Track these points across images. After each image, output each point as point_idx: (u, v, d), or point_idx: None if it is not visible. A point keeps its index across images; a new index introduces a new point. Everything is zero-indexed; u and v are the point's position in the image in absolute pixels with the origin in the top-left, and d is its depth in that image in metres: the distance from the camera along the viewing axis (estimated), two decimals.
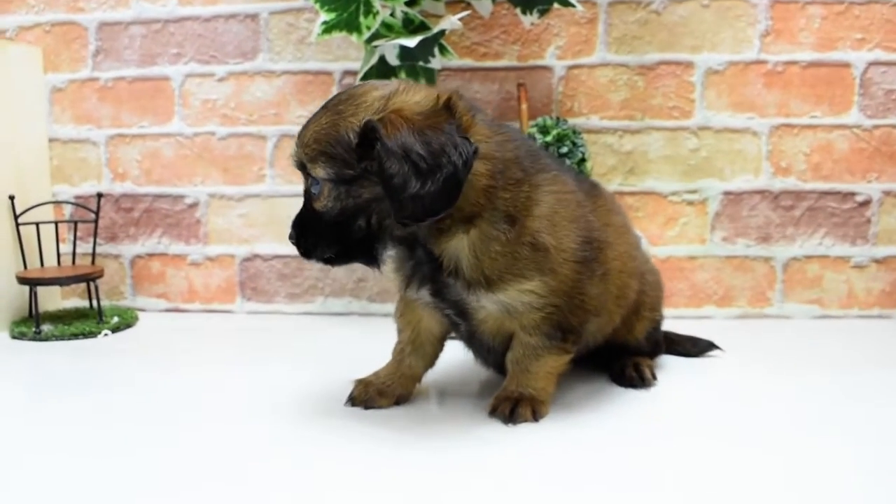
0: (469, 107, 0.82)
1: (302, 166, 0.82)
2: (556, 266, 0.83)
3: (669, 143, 1.37)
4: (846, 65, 1.34)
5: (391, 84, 0.82)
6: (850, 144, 1.36)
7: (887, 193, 1.36)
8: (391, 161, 0.75)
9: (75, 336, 1.27)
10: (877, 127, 1.35)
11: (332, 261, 0.84)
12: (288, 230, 0.86)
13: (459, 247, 0.82)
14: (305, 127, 0.82)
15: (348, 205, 0.80)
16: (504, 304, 0.83)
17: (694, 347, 1.15)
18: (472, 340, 0.92)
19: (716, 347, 1.14)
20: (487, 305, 0.84)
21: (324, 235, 0.82)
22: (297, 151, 0.82)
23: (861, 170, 1.36)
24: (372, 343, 1.05)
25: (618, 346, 1.03)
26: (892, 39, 1.34)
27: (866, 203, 1.36)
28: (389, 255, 0.86)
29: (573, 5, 1.21)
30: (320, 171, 0.80)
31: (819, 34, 1.34)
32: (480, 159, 0.79)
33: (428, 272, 0.85)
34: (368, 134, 0.76)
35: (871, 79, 1.34)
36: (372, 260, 0.84)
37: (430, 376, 0.97)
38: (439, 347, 0.96)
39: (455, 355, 1.00)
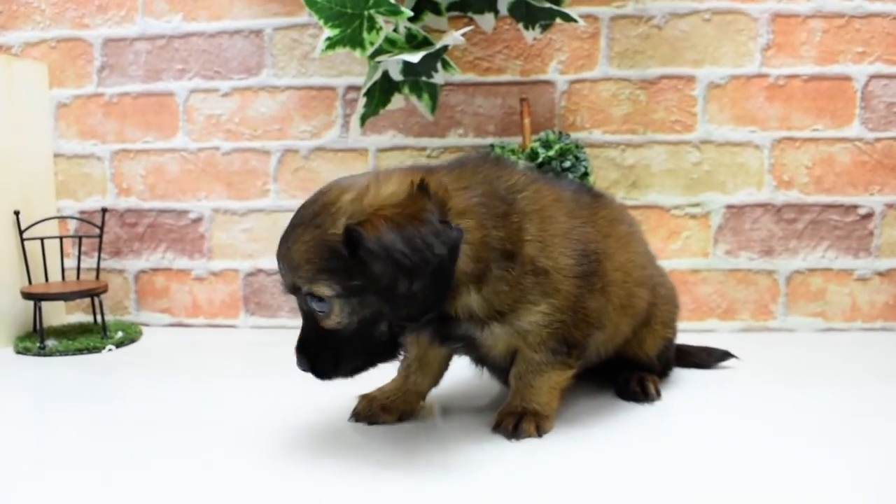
0: (439, 176, 0.80)
1: (295, 290, 0.79)
2: (558, 284, 0.83)
3: (672, 157, 1.37)
4: (847, 78, 1.35)
5: (359, 181, 0.79)
6: (852, 157, 1.36)
7: (890, 206, 1.36)
8: (376, 264, 0.72)
9: (79, 351, 1.28)
10: (878, 140, 1.35)
11: (356, 372, 0.82)
12: None
13: (472, 299, 0.81)
14: (286, 249, 0.78)
15: (366, 315, 0.77)
16: (514, 326, 0.84)
17: (710, 357, 1.15)
18: (483, 363, 0.93)
19: (731, 356, 1.15)
20: (497, 332, 0.84)
21: (345, 352, 0.79)
22: (288, 276, 0.78)
23: (863, 182, 1.36)
24: None
25: (628, 361, 1.02)
26: (892, 53, 1.34)
27: (869, 216, 1.36)
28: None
29: (575, 20, 1.21)
30: (325, 290, 0.76)
31: (820, 48, 1.35)
32: (463, 215, 0.78)
33: (437, 326, 0.83)
34: (353, 240, 0.73)
35: (873, 92, 1.35)
36: (396, 355, 0.82)
37: (434, 391, 0.97)
38: (445, 365, 0.96)
39: (459, 371, 1.00)
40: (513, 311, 0.82)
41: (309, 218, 0.77)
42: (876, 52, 1.34)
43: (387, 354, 0.81)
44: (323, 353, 0.80)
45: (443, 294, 0.75)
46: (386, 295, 0.74)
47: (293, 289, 0.79)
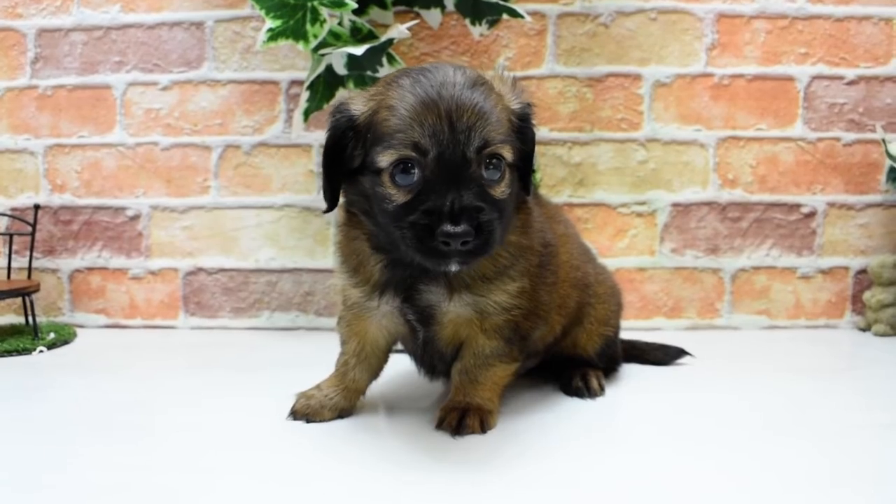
0: None
1: (483, 147, 0.74)
2: (531, 267, 0.84)
3: (618, 155, 1.37)
4: (790, 78, 1.36)
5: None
6: (795, 157, 1.37)
7: (831, 205, 1.38)
8: (532, 143, 0.81)
9: (8, 353, 1.22)
10: (820, 140, 1.37)
11: (496, 244, 0.76)
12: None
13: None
14: (475, 103, 0.74)
15: (513, 191, 0.78)
16: (478, 304, 0.82)
17: (665, 355, 1.15)
18: (426, 347, 0.89)
19: (686, 353, 1.15)
20: (457, 309, 0.82)
21: (503, 227, 0.76)
22: (482, 130, 0.73)
23: (806, 182, 1.37)
24: (319, 357, 1.02)
25: (569, 358, 1.02)
26: (834, 54, 1.36)
27: (811, 214, 1.38)
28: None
29: (522, 16, 1.21)
30: (508, 154, 0.76)
31: (764, 48, 1.36)
32: None
33: (410, 278, 0.82)
34: (523, 118, 0.80)
35: (815, 92, 1.36)
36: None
37: (376, 389, 0.95)
38: (384, 360, 0.93)
39: (402, 370, 0.98)
40: (492, 283, 0.82)
41: (477, 82, 0.76)
42: (818, 53, 1.36)
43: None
44: (488, 224, 0.73)
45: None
46: (527, 173, 0.81)
47: (483, 144, 0.74)
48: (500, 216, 0.75)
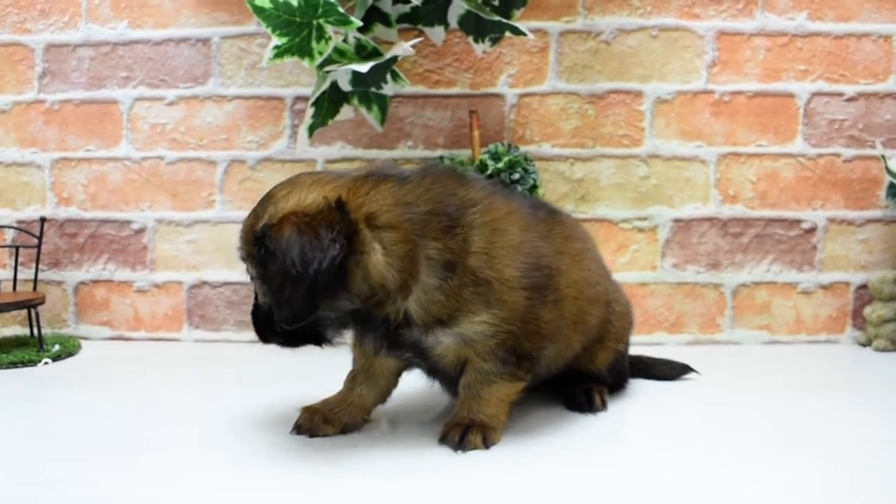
0: (387, 187, 0.82)
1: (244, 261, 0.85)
2: (503, 296, 0.83)
3: (620, 171, 1.38)
4: (790, 95, 1.38)
5: (302, 180, 0.84)
6: (796, 173, 1.38)
7: (832, 221, 1.39)
8: (272, 264, 0.78)
9: (14, 365, 1.23)
10: (820, 156, 1.38)
11: (284, 345, 0.86)
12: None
13: (407, 305, 0.82)
14: (244, 224, 0.85)
15: (279, 299, 0.80)
16: (460, 335, 0.83)
17: (671, 370, 1.15)
18: (434, 374, 0.92)
19: (691, 370, 1.15)
20: (444, 340, 0.84)
21: (269, 325, 0.85)
22: (240, 248, 0.85)
23: (806, 197, 1.38)
24: (322, 372, 1.03)
25: (579, 373, 1.02)
26: (833, 71, 1.37)
27: (812, 230, 1.39)
28: (341, 335, 0.87)
29: (524, 34, 1.22)
30: (250, 269, 0.84)
31: (764, 65, 1.37)
32: (389, 229, 0.80)
33: (381, 333, 0.85)
34: (263, 236, 0.80)
35: (815, 109, 1.38)
36: (321, 342, 0.86)
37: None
38: (394, 381, 0.94)
39: (407, 384, 0.99)
40: (453, 319, 0.82)
41: (259, 203, 0.85)
42: (818, 70, 1.37)
43: (308, 340, 0.85)
44: (260, 320, 0.87)
45: (313, 308, 0.78)
46: (273, 295, 0.79)
47: (243, 261, 0.86)
48: (263, 316, 0.85)
